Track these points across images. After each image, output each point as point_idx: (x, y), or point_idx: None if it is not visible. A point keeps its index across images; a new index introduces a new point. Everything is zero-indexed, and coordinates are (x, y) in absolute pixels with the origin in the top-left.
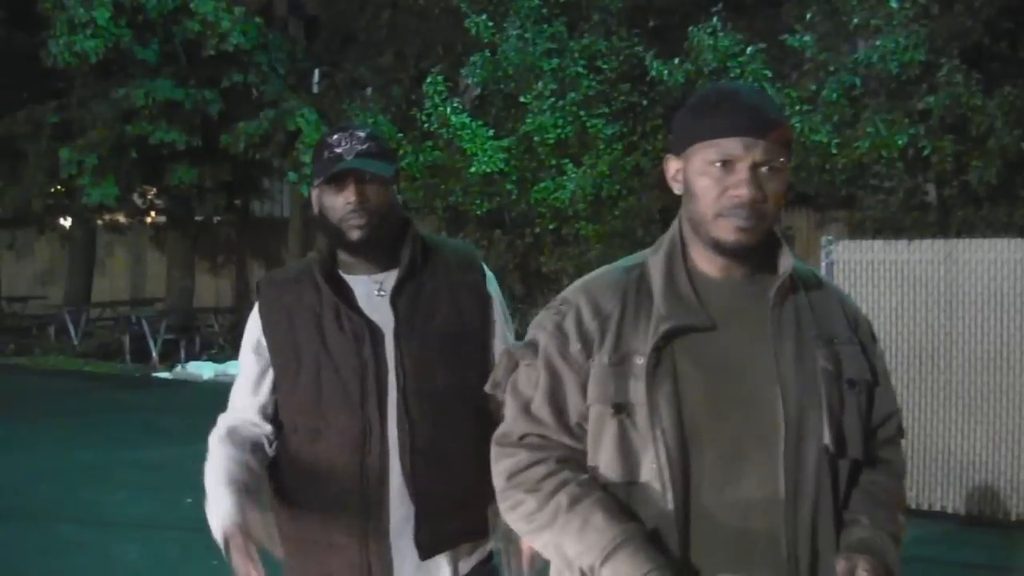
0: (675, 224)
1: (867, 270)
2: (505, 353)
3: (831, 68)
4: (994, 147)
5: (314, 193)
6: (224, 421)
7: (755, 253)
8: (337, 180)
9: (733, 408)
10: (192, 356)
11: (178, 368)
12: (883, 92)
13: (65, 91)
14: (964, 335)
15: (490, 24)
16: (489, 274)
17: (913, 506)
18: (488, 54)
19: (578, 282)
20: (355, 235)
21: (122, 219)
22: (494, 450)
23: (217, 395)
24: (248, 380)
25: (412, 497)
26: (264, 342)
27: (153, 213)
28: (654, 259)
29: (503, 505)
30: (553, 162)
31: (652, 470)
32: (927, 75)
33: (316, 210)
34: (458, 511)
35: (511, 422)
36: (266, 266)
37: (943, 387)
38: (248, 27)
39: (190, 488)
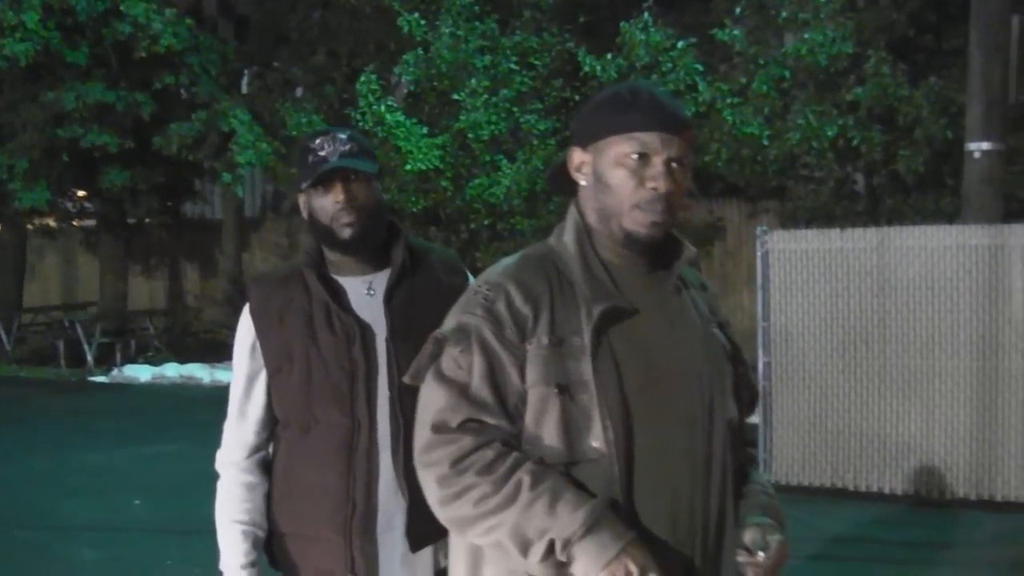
0: (574, 215)
1: (801, 259)
2: (431, 340)
3: (761, 61)
4: (921, 137)
5: (301, 198)
6: (231, 442)
7: (654, 247)
8: (324, 181)
9: (662, 387)
10: (128, 359)
11: (115, 372)
12: (812, 84)
13: None
14: (897, 320)
15: (422, 22)
16: (470, 278)
17: (852, 488)
18: (421, 52)
19: (498, 268)
20: (346, 233)
21: (53, 223)
22: (427, 439)
23: (155, 398)
24: (243, 383)
25: (404, 491)
26: (258, 344)
27: (83, 217)
28: (562, 247)
29: (446, 492)
30: (487, 158)
31: (595, 448)
32: (855, 67)
33: (305, 214)
34: None
35: (447, 409)
36: (199, 268)
37: (878, 371)
38: (179, 28)
39: (137, 490)
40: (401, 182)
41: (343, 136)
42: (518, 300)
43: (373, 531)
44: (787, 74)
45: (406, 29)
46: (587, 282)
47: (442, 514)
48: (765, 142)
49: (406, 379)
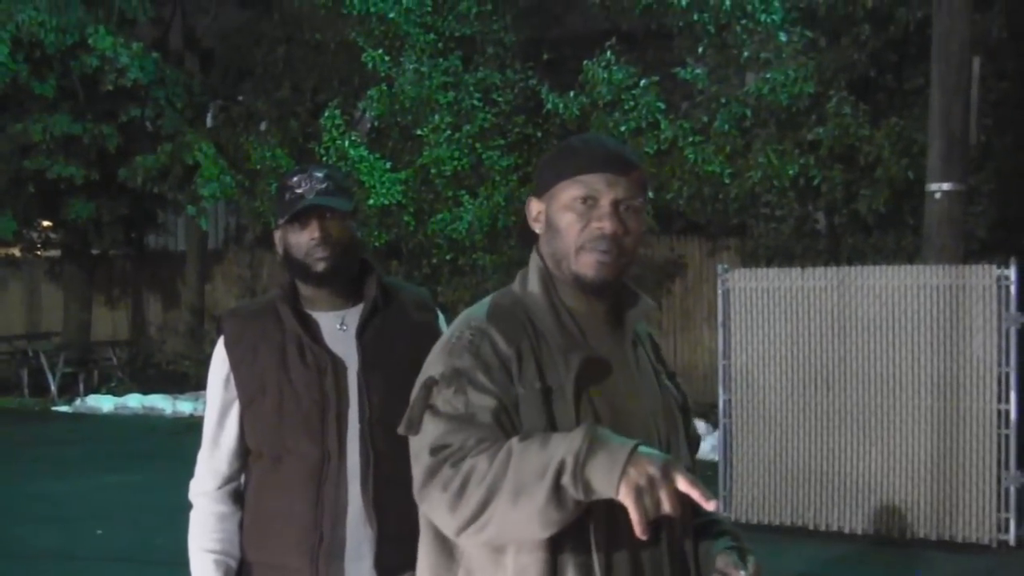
0: (535, 262)
1: (762, 297)
2: (420, 387)
3: (722, 100)
4: (882, 176)
5: (277, 234)
6: (204, 472)
7: (609, 294)
8: (300, 218)
9: (627, 435)
10: (91, 389)
11: (77, 402)
12: (773, 123)
13: None
14: (858, 359)
15: (386, 58)
16: (440, 315)
17: (811, 527)
18: (385, 88)
19: (474, 314)
20: (320, 267)
21: (18, 253)
22: (427, 463)
23: (117, 427)
24: (216, 413)
25: (372, 521)
26: (232, 375)
27: (47, 247)
28: (530, 297)
29: (451, 491)
30: (450, 194)
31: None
32: (816, 106)
33: (280, 249)
34: (416, 535)
35: (447, 434)
36: (162, 299)
37: (838, 410)
38: (145, 62)
39: (98, 519)
40: (363, 216)
41: (319, 175)
42: (501, 343)
43: (340, 560)
44: (748, 113)
45: (370, 65)
46: (559, 332)
47: (455, 522)
48: (726, 180)
49: (400, 430)
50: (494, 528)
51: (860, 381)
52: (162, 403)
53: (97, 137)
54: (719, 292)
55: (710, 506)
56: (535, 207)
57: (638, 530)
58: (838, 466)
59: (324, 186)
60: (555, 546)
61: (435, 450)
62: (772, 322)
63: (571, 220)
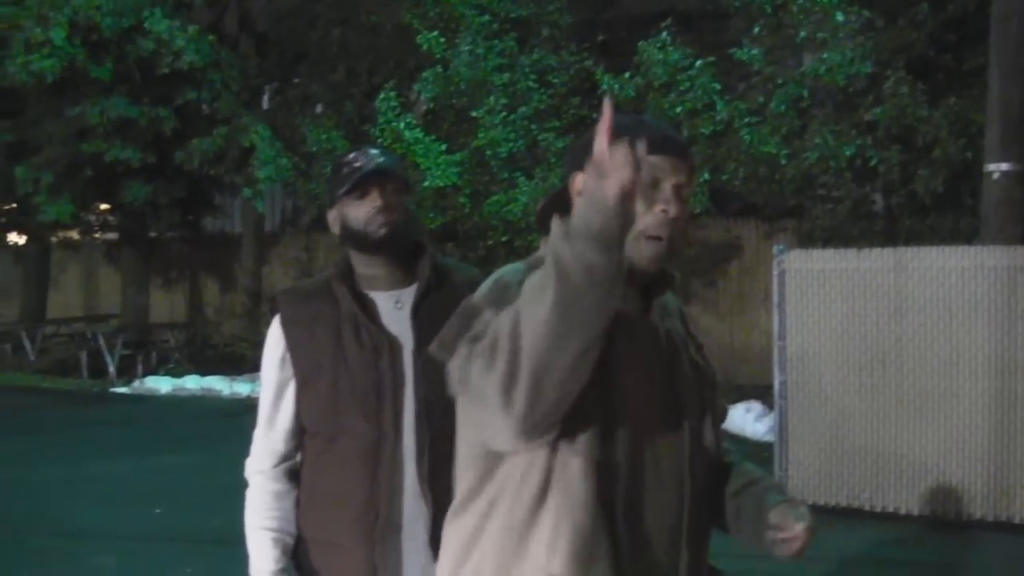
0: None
1: (818, 278)
2: (457, 314)
3: (779, 81)
4: (939, 157)
5: (332, 213)
6: (260, 451)
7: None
8: (361, 187)
9: (654, 403)
10: (149, 371)
11: (135, 383)
12: (830, 104)
13: (20, 110)
14: (914, 341)
15: (442, 40)
16: None
17: (867, 508)
18: (440, 69)
19: (508, 271)
20: (381, 232)
21: (76, 236)
22: (464, 354)
23: (175, 409)
24: (271, 393)
25: (428, 500)
26: (288, 355)
27: (105, 230)
28: None
29: (483, 356)
30: (505, 175)
31: (602, 447)
32: (873, 87)
33: (336, 227)
34: None
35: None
36: (219, 281)
37: (895, 392)
38: (201, 45)
39: (156, 499)
40: (419, 199)
41: (375, 150)
42: None
43: (396, 539)
44: (805, 93)
45: (425, 47)
46: None
47: (497, 385)
48: (783, 161)
49: (430, 349)
50: (543, 356)
51: (916, 362)
52: (219, 385)
53: (153, 120)
54: (774, 274)
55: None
56: (582, 182)
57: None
58: (894, 447)
59: (381, 159)
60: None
61: (472, 339)
62: (828, 304)
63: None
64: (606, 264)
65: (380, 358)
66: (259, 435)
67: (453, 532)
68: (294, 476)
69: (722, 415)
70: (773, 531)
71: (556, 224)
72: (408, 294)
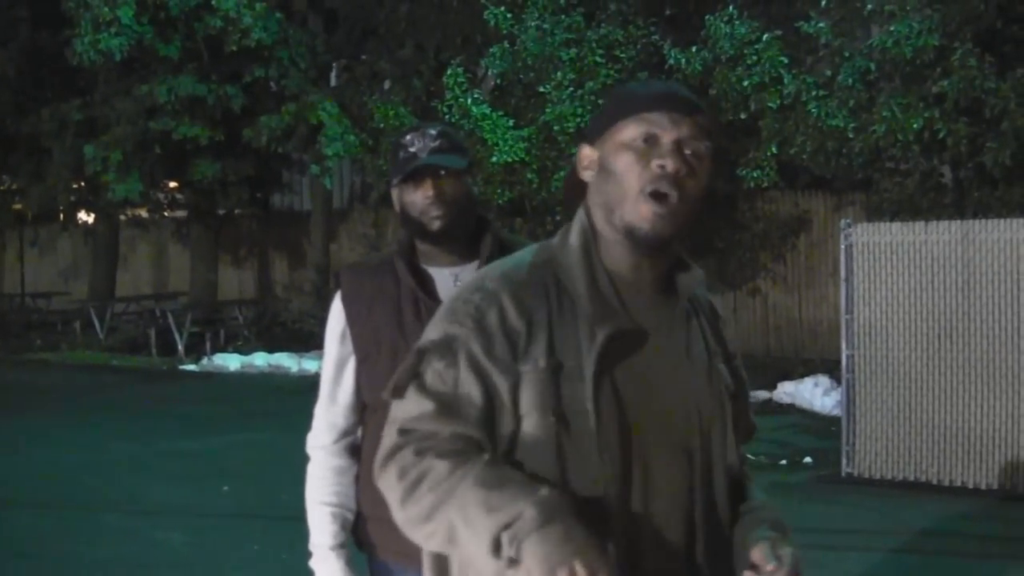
0: (581, 216)
1: (885, 252)
2: (412, 353)
3: (846, 54)
4: (1008, 129)
5: (394, 192)
6: (321, 426)
7: (663, 257)
8: (414, 177)
9: (658, 421)
10: (217, 348)
11: (204, 360)
12: (898, 76)
13: (89, 88)
14: (982, 313)
15: (509, 15)
16: None
17: (935, 482)
18: (507, 45)
19: (495, 272)
20: (435, 225)
21: (145, 214)
22: (394, 441)
23: (243, 386)
24: (332, 368)
25: None
26: (348, 330)
27: (174, 208)
28: (566, 255)
29: (406, 483)
30: (573, 151)
31: (592, 483)
32: (941, 59)
33: (397, 207)
34: None
35: (424, 419)
36: (288, 258)
37: (962, 365)
38: (269, 22)
39: (227, 476)
40: (487, 174)
41: (433, 132)
42: (512, 314)
43: None
44: (872, 66)
45: (492, 22)
46: (591, 298)
47: (401, 515)
48: (850, 135)
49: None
50: (438, 540)
51: (984, 335)
52: (288, 362)
53: (222, 98)
54: (842, 247)
55: None
56: (587, 154)
57: None
58: (962, 421)
59: (437, 144)
60: None
61: (404, 431)
62: (896, 277)
63: (629, 160)
64: None
65: None
66: (320, 410)
67: None
68: (355, 452)
69: (748, 433)
70: (750, 572)
71: (519, 523)
72: (468, 271)
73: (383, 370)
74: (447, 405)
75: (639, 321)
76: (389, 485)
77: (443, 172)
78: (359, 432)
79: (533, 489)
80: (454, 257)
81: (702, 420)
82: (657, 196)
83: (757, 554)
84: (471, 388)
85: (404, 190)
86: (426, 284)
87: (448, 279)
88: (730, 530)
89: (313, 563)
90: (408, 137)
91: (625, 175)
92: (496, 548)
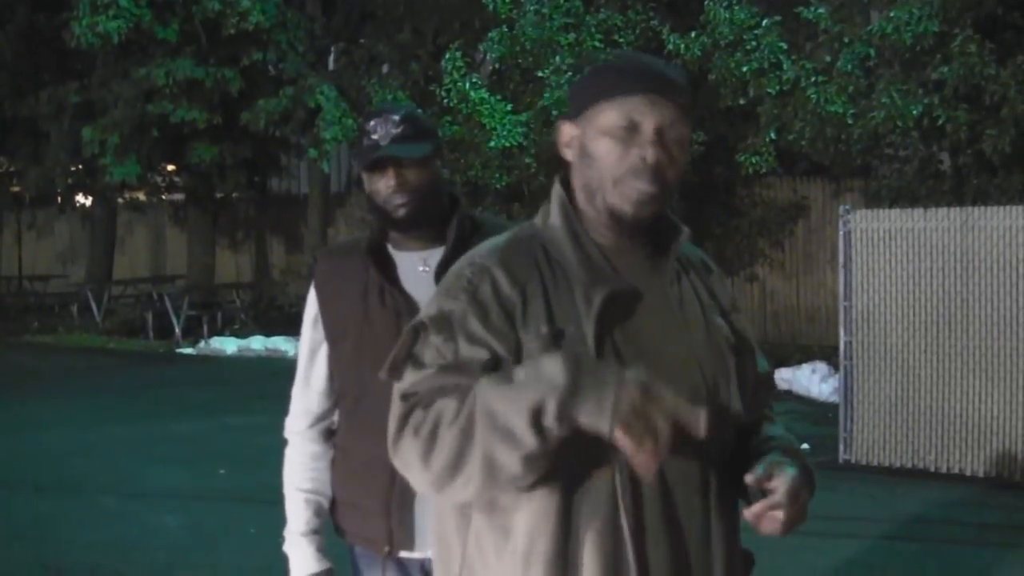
0: (559, 193)
1: (884, 238)
2: (407, 330)
3: (845, 39)
4: (1008, 116)
5: (364, 176)
6: (297, 411)
7: (647, 227)
8: (377, 166)
9: (660, 379)
10: (214, 332)
11: (201, 344)
12: (897, 63)
13: (87, 71)
14: (980, 300)
15: (507, 0)
16: None
17: (932, 469)
18: (506, 30)
19: (483, 249)
20: (400, 213)
21: (142, 197)
22: (401, 408)
23: (240, 369)
24: (307, 353)
25: None
26: (320, 316)
27: (171, 191)
28: (550, 229)
29: (423, 435)
30: None
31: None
32: (941, 45)
33: (367, 191)
34: None
35: (422, 380)
36: (285, 242)
37: (960, 352)
38: (267, 5)
39: (222, 460)
40: (485, 159)
41: (396, 118)
42: (505, 285)
43: (412, 503)
44: (872, 52)
45: (491, 6)
46: (582, 264)
47: (430, 473)
48: (849, 121)
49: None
50: (477, 477)
51: (983, 323)
52: (284, 345)
53: (220, 81)
54: (841, 234)
55: (699, 431)
56: (567, 131)
57: (640, 469)
58: (960, 408)
59: (400, 130)
60: (567, 501)
61: (407, 396)
62: (894, 263)
63: (609, 147)
64: (516, 470)
65: (402, 321)
66: (296, 395)
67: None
68: (330, 436)
69: (755, 380)
70: (753, 489)
71: (554, 400)
72: (437, 254)
73: (348, 354)
74: (448, 367)
75: (630, 282)
76: (408, 448)
77: (406, 161)
78: (335, 417)
79: (542, 366)
80: (423, 242)
81: (704, 375)
82: (639, 183)
83: (750, 476)
84: (474, 355)
85: (369, 178)
86: (388, 271)
87: (417, 263)
88: (732, 491)
89: (286, 548)
90: (372, 123)
91: (604, 161)
92: (543, 440)
